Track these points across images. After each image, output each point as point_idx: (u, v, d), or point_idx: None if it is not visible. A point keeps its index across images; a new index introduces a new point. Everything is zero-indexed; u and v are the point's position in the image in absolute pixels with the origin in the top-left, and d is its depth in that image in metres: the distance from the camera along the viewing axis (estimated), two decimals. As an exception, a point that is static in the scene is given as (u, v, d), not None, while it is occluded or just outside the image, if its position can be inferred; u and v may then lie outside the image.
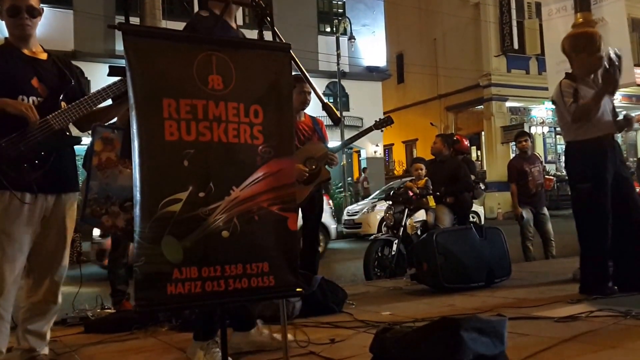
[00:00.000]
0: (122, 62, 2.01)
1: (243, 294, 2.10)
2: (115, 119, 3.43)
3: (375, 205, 13.61)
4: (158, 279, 1.95)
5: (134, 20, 8.37)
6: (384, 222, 7.15)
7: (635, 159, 22.32)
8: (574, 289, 4.07)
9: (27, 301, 2.82)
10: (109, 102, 2.78)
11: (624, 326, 3.02)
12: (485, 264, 4.78)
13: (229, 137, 2.11)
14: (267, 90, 2.23)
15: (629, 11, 11.51)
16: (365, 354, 2.33)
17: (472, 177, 6.83)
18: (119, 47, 10.49)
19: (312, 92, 3.18)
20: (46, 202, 2.71)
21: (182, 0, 15.62)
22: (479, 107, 23.69)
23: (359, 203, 16.30)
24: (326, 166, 4.51)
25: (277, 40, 2.39)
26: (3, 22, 2.74)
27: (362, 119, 20.29)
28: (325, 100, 2.45)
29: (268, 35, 2.42)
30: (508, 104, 23.28)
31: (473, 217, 12.41)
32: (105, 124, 3.04)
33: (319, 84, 19.80)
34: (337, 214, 14.13)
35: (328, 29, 21.89)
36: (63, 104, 2.70)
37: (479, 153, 23.98)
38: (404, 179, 12.60)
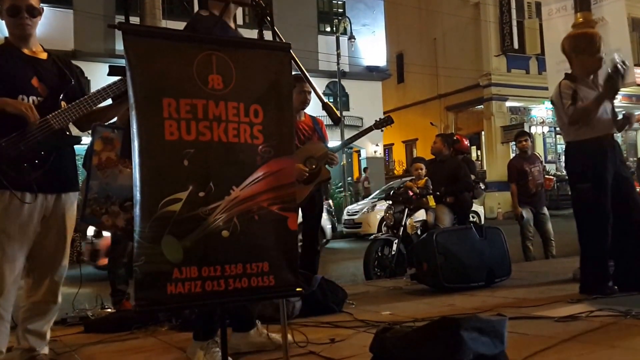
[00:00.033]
0: (122, 62, 2.01)
1: (243, 294, 2.10)
2: (115, 119, 3.44)
3: (375, 205, 13.61)
4: (158, 278, 1.95)
5: (134, 20, 8.34)
6: (384, 222, 7.16)
7: (635, 158, 22.34)
8: (574, 289, 4.07)
9: (27, 301, 2.81)
10: (109, 101, 2.78)
11: (623, 326, 3.02)
12: (485, 263, 4.77)
13: (229, 136, 2.11)
14: (267, 90, 2.23)
15: (629, 11, 11.52)
16: (365, 354, 2.32)
17: (472, 176, 6.83)
18: (119, 46, 10.49)
19: (312, 91, 3.18)
20: (46, 201, 2.71)
21: (182, 0, 15.61)
22: (479, 106, 23.67)
23: (359, 203, 16.30)
24: (326, 166, 4.52)
25: (277, 40, 2.39)
26: (3, 22, 2.74)
27: (362, 119, 20.29)
28: (325, 100, 2.45)
29: (268, 35, 2.42)
30: (508, 103, 23.26)
31: (473, 217, 12.40)
32: (105, 124, 3.05)
33: (319, 84, 19.80)
34: (337, 214, 14.14)
35: (328, 29, 21.87)
36: (63, 103, 2.70)
37: (479, 153, 23.97)
38: (404, 179, 12.59)
